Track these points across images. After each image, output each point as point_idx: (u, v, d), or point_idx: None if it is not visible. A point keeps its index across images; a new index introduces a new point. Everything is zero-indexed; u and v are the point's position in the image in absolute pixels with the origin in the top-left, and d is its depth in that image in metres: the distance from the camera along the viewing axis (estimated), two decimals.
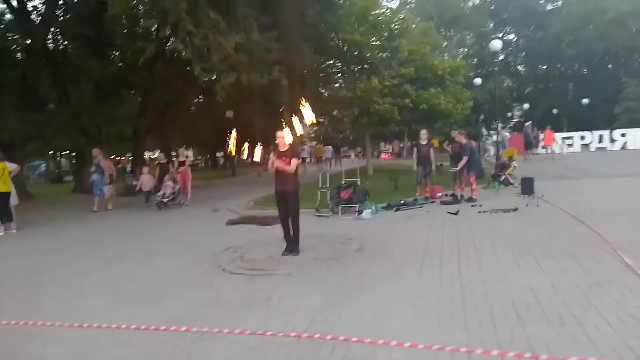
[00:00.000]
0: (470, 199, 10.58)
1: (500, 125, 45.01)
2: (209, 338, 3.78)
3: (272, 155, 6.46)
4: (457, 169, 10.98)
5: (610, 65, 47.21)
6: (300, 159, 6.98)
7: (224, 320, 4.12)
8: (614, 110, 37.99)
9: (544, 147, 25.10)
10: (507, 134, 27.27)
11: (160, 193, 13.16)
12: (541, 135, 25.88)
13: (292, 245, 6.44)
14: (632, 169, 15.24)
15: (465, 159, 10.85)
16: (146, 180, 14.05)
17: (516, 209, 9.05)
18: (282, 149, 6.46)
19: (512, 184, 12.85)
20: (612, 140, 28.53)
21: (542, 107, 44.63)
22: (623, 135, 28.43)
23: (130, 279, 5.87)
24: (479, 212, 9.21)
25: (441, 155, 17.05)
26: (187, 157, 14.90)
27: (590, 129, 30.05)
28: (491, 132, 31.02)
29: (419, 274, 5.20)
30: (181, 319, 4.21)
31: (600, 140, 28.93)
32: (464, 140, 11.19)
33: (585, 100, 39.10)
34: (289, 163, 6.34)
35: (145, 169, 14.58)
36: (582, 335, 3.36)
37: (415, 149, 11.62)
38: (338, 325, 3.85)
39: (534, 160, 22.27)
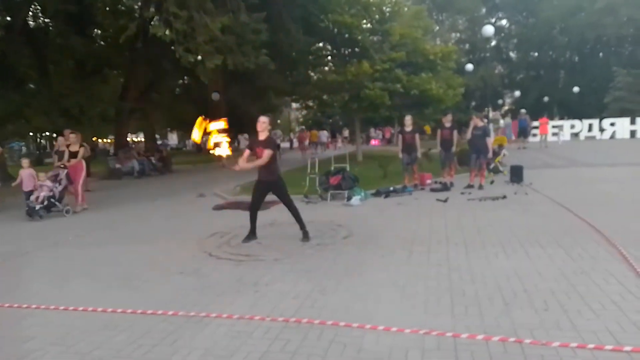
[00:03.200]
0: (470, 186, 10.60)
1: (499, 112, 45.13)
2: (196, 322, 3.78)
3: (246, 149, 6.20)
4: (489, 154, 10.78)
5: (601, 54, 47.37)
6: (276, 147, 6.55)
7: (211, 305, 4.12)
8: (604, 99, 38.23)
9: (534, 135, 25.18)
10: (509, 120, 27.11)
11: (33, 197, 9.63)
12: (535, 123, 25.93)
13: (303, 232, 6.37)
14: (620, 159, 15.42)
15: (489, 140, 10.77)
16: (26, 177, 9.96)
17: (505, 197, 9.11)
18: (261, 137, 6.19)
19: (501, 171, 12.92)
20: (602, 130, 28.75)
21: (533, 95, 44.72)
22: (612, 124, 28.65)
23: (115, 263, 5.83)
24: (468, 199, 9.25)
25: (432, 142, 17.06)
26: (83, 145, 11.27)
27: (580, 118, 30.22)
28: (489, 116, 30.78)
29: (407, 260, 5.22)
30: (168, 304, 4.19)
31: (590, 129, 29.12)
32: (480, 124, 11.08)
33: (576, 89, 39.26)
34: (262, 154, 6.04)
35: (26, 162, 10.42)
36: (565, 320, 3.41)
37: (400, 136, 11.40)
38: (326, 310, 3.87)
39: (530, 148, 22.33)
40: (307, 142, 28.96)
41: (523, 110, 25.43)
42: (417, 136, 11.02)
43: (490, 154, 10.81)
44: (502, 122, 25.09)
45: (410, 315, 3.66)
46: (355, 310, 3.83)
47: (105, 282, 5.02)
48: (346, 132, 35.38)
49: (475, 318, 3.55)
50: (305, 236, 6.33)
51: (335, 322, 3.59)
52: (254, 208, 6.43)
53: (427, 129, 15.33)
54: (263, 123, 6.24)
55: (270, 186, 6.32)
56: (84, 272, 5.45)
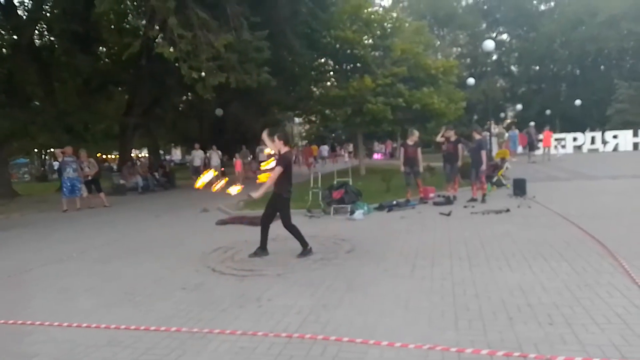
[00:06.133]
0: (474, 200, 10.62)
1: (502, 126, 45.08)
2: (200, 338, 3.77)
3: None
4: (483, 166, 10.75)
5: (602, 67, 47.61)
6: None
7: (214, 321, 4.11)
8: (606, 111, 38.32)
9: (538, 148, 25.24)
10: (517, 131, 27.21)
11: None
12: (540, 136, 26.02)
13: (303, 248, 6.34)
14: (623, 171, 15.40)
15: (484, 153, 10.84)
16: None
17: (508, 210, 9.10)
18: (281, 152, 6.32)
19: (504, 185, 12.91)
20: (604, 142, 28.75)
21: (535, 108, 44.94)
22: (615, 137, 28.67)
23: (119, 279, 5.84)
24: (471, 213, 9.25)
25: (436, 156, 17.08)
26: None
27: (582, 130, 30.26)
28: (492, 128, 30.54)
29: (410, 274, 5.21)
30: (171, 320, 4.19)
31: (593, 141, 29.16)
32: (477, 137, 11.14)
33: (577, 102, 39.40)
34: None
35: None
36: (570, 334, 3.39)
37: (402, 149, 11.44)
38: (329, 325, 3.86)
39: (537, 162, 22.28)
40: (312, 158, 28.46)
41: (531, 124, 25.45)
42: (419, 150, 11.09)
43: (483, 167, 10.78)
44: (506, 135, 25.23)
45: (414, 330, 3.64)
46: (358, 325, 3.82)
47: (108, 298, 5.03)
48: (350, 147, 35.56)
49: (479, 332, 3.53)
50: (302, 253, 6.28)
51: (338, 337, 3.57)
52: (264, 222, 6.44)
53: (506, 152, 15.39)
54: (265, 138, 6.38)
55: (275, 198, 6.34)
56: (87, 288, 5.46)
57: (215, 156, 20.62)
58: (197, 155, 20.26)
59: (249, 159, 23.83)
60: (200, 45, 12.11)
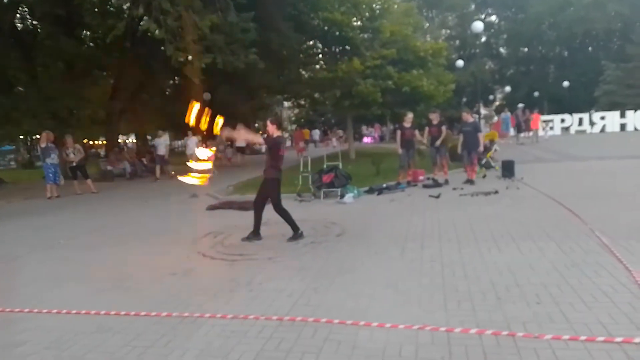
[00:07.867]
0: (470, 182, 10.65)
1: (491, 109, 45.16)
2: (190, 323, 3.76)
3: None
4: (480, 148, 10.87)
5: (590, 48, 47.77)
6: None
7: (205, 306, 4.10)
8: (594, 93, 38.56)
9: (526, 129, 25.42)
10: (509, 114, 27.37)
11: None
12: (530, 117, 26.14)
13: (295, 233, 6.34)
14: (611, 152, 15.55)
15: (481, 135, 10.96)
16: None
17: (497, 192, 9.17)
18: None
19: (493, 167, 12.98)
20: (592, 123, 28.98)
21: (523, 90, 45.05)
22: (602, 118, 28.90)
23: (108, 265, 5.80)
24: (460, 195, 9.30)
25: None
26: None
27: (570, 112, 30.46)
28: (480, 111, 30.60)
29: (400, 256, 5.24)
30: (161, 305, 4.18)
31: (580, 123, 29.38)
32: (470, 119, 11.19)
33: (565, 83, 39.56)
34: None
35: None
36: (557, 313, 3.44)
37: (399, 132, 11.51)
38: (320, 308, 3.87)
39: (525, 144, 22.40)
40: (302, 143, 27.34)
41: (520, 106, 25.52)
42: (416, 132, 11.25)
43: (480, 148, 10.88)
44: (496, 118, 25.43)
45: (404, 311, 3.67)
46: (349, 307, 3.84)
47: (98, 284, 4.99)
48: (340, 132, 35.35)
49: (469, 313, 3.57)
50: (293, 237, 6.29)
51: (329, 319, 3.59)
52: (257, 207, 6.44)
53: (495, 134, 15.32)
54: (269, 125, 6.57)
55: (265, 183, 6.37)
56: (76, 275, 5.42)
57: (192, 143, 18.18)
58: (161, 143, 17.56)
59: (224, 146, 22.53)
60: (186, 27, 11.92)
